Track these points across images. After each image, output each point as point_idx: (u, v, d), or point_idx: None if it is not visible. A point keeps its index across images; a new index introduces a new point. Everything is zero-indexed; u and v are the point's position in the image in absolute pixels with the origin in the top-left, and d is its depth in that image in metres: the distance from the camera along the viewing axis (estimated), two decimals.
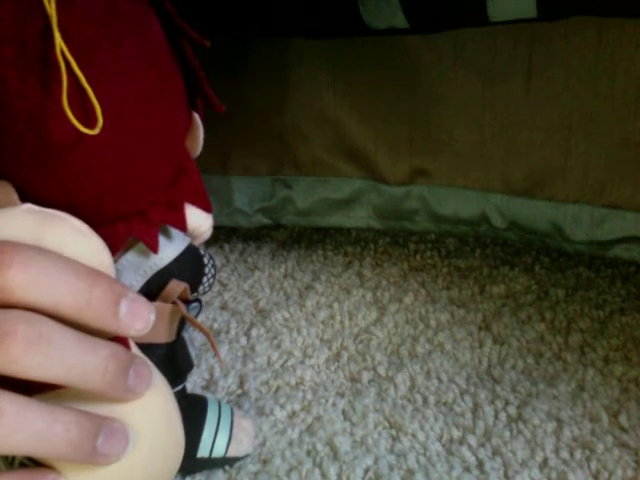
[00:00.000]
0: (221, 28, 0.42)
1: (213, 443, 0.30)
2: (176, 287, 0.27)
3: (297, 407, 0.34)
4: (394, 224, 0.46)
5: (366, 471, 0.30)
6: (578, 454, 0.31)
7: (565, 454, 0.31)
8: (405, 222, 0.46)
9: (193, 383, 0.36)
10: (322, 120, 0.44)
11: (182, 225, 0.28)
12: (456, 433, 0.32)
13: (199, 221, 0.29)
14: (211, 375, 0.36)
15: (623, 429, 0.33)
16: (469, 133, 0.41)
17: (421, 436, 0.32)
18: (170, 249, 0.27)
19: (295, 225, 0.50)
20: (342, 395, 0.35)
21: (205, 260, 0.30)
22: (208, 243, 0.53)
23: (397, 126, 0.42)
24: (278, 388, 0.36)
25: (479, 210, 0.43)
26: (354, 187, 0.45)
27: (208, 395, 0.32)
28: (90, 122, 0.22)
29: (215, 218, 0.51)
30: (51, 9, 0.20)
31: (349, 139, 0.44)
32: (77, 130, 0.21)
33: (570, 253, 0.49)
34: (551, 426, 0.33)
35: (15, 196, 0.24)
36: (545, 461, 0.31)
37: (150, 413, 0.21)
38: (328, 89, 0.43)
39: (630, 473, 0.30)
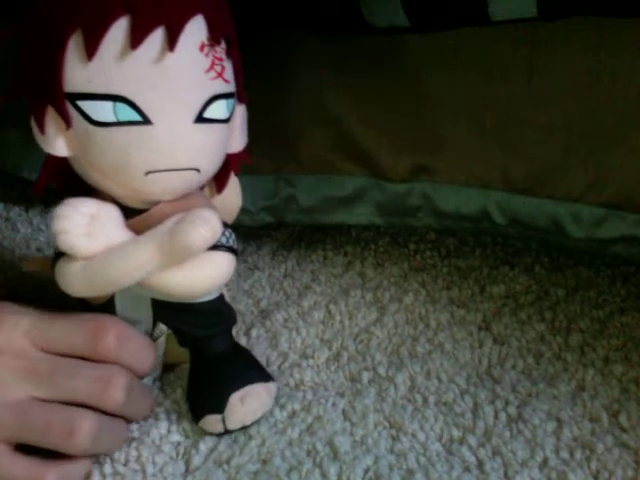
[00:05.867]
0: None
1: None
2: None
3: (297, 407, 0.34)
4: (397, 220, 0.46)
5: (366, 471, 0.30)
6: (578, 454, 0.31)
7: (565, 454, 0.31)
8: (408, 218, 0.46)
9: None
10: (324, 118, 0.43)
11: None
12: (456, 433, 0.32)
13: None
14: None
15: (623, 429, 0.33)
16: (470, 132, 0.41)
17: (421, 436, 0.32)
18: None
19: (298, 223, 0.50)
20: (342, 395, 0.35)
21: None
22: None
23: (399, 124, 0.42)
24: (278, 388, 0.35)
25: (480, 207, 0.43)
26: (357, 185, 0.45)
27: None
28: None
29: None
30: None
31: (351, 137, 0.44)
32: None
33: (570, 250, 0.49)
34: (551, 426, 0.33)
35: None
36: (545, 461, 0.31)
37: None
38: (330, 87, 0.43)
39: (630, 473, 0.30)
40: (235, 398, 0.31)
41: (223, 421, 0.31)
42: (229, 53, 0.30)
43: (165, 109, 0.27)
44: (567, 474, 0.30)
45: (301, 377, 0.37)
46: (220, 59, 0.29)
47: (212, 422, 0.31)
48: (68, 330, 0.30)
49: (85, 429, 0.28)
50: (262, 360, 0.38)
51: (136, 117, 0.27)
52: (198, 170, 0.29)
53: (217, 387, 0.32)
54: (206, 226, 0.27)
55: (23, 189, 0.61)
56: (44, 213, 0.57)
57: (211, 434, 0.32)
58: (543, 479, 0.30)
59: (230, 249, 0.31)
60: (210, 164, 0.30)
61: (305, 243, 0.53)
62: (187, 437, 0.32)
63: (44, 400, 0.29)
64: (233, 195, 0.36)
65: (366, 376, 0.37)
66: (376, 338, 0.40)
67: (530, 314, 0.42)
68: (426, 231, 0.53)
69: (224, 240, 0.30)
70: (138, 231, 0.29)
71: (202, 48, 0.28)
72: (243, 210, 0.50)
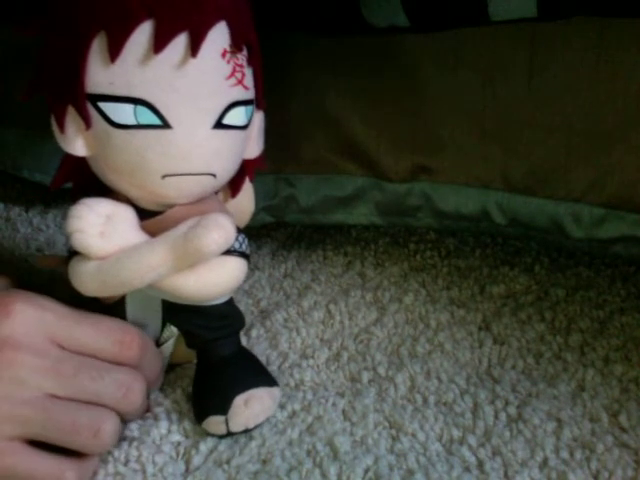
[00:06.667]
0: None
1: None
2: None
3: (297, 407, 0.34)
4: (396, 220, 0.46)
5: (366, 471, 0.30)
6: (578, 454, 0.31)
7: (565, 454, 0.31)
8: (407, 218, 0.46)
9: (191, 383, 0.36)
10: (324, 118, 0.44)
11: None
12: (456, 433, 0.32)
13: None
14: None
15: (623, 429, 0.33)
16: (470, 132, 0.41)
17: (421, 436, 0.32)
18: None
19: (298, 223, 0.50)
20: (342, 395, 0.35)
21: None
22: None
23: (399, 124, 0.42)
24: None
25: (480, 207, 0.43)
26: (356, 185, 0.45)
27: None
28: None
29: None
30: None
31: (351, 137, 0.44)
32: None
33: (570, 250, 0.49)
34: (551, 426, 0.33)
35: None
36: (545, 461, 0.31)
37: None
38: (330, 88, 0.43)
39: (630, 473, 0.30)
40: (239, 400, 0.31)
41: (226, 423, 0.31)
42: (250, 60, 0.30)
43: (185, 114, 0.27)
44: (567, 474, 0.30)
45: (301, 377, 0.37)
46: (241, 66, 0.29)
47: (215, 423, 0.31)
48: (95, 334, 0.30)
49: (110, 430, 0.29)
50: (262, 360, 0.38)
51: (156, 121, 0.27)
52: (214, 175, 0.29)
53: (222, 389, 0.32)
54: (220, 231, 0.27)
55: (23, 189, 0.61)
56: (44, 213, 0.57)
57: (210, 435, 0.32)
58: (543, 479, 0.30)
59: (242, 254, 0.31)
60: (226, 170, 0.31)
61: (305, 243, 0.53)
62: (187, 437, 0.32)
63: (62, 398, 0.29)
64: (246, 200, 0.36)
65: (366, 376, 0.37)
66: (376, 338, 0.40)
67: (530, 314, 0.42)
68: (426, 231, 0.53)
69: (237, 245, 0.30)
70: (152, 233, 0.29)
71: (224, 55, 0.28)
72: None
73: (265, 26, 0.43)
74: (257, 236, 0.53)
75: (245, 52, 0.29)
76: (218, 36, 0.28)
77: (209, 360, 0.33)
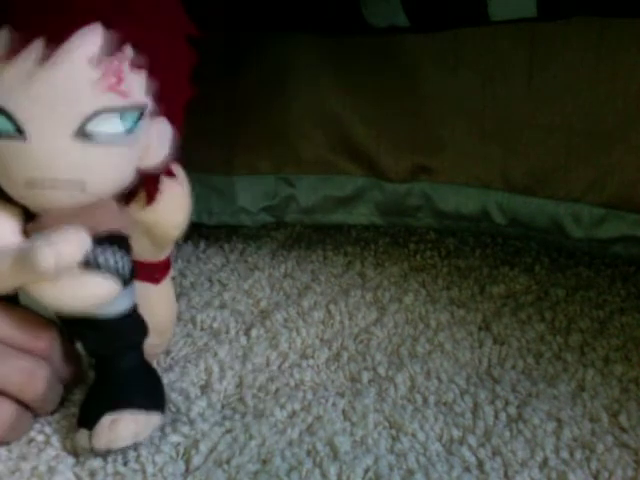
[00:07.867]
0: (221, 23, 0.42)
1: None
2: None
3: (297, 407, 0.34)
4: (396, 220, 0.46)
5: (366, 471, 0.30)
6: (578, 454, 0.31)
7: (565, 454, 0.31)
8: (407, 218, 0.46)
9: (190, 382, 0.36)
10: (324, 119, 0.44)
11: None
12: (456, 433, 0.32)
13: None
14: (209, 375, 0.36)
15: (623, 429, 0.33)
16: (470, 132, 0.41)
17: (421, 436, 0.32)
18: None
19: (298, 223, 0.50)
20: (342, 395, 0.35)
21: None
22: (208, 243, 0.53)
23: (399, 124, 0.43)
24: (278, 388, 0.35)
25: (480, 207, 0.43)
26: (357, 185, 0.45)
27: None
28: None
29: (219, 217, 0.52)
30: None
31: (351, 137, 0.44)
32: None
33: (570, 250, 0.49)
34: (551, 426, 0.33)
35: None
36: (545, 461, 0.31)
37: None
38: (331, 88, 0.43)
39: (630, 473, 0.30)
40: (106, 420, 0.30)
41: (90, 438, 0.30)
42: (140, 65, 0.28)
43: (41, 122, 0.26)
44: (567, 474, 0.30)
45: (301, 377, 0.37)
46: (118, 70, 0.27)
47: (81, 436, 0.31)
48: (5, 322, 0.30)
49: (4, 420, 0.29)
50: (262, 360, 0.38)
51: (11, 129, 0.26)
52: (82, 185, 0.28)
53: (96, 403, 0.31)
54: (52, 249, 0.26)
55: None
56: None
57: (210, 435, 0.32)
58: (543, 479, 0.30)
59: (115, 273, 0.29)
60: (101, 179, 0.28)
61: (305, 243, 0.53)
62: (187, 437, 0.32)
63: None
64: (170, 208, 0.33)
65: (366, 376, 0.37)
66: (376, 338, 0.40)
67: (530, 314, 0.42)
68: (426, 231, 0.53)
69: (111, 262, 0.29)
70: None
71: (91, 59, 0.26)
72: (243, 210, 0.50)
73: (266, 26, 0.43)
74: (257, 236, 0.53)
75: (130, 55, 0.27)
76: (85, 40, 0.26)
77: (101, 369, 0.33)
